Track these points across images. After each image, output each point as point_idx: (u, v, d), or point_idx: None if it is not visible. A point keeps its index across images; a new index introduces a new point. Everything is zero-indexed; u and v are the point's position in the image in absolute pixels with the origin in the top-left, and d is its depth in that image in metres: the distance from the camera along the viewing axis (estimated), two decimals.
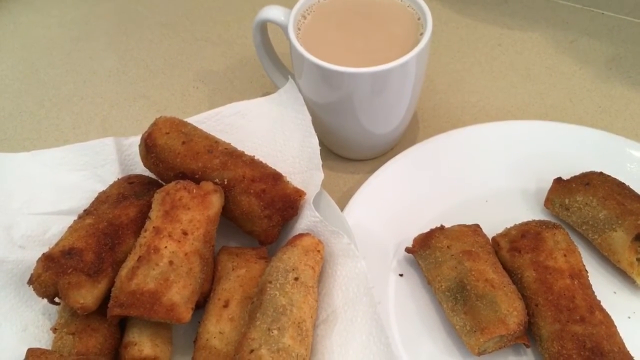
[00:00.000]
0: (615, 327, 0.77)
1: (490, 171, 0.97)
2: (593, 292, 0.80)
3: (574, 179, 0.90)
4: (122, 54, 1.26)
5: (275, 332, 0.72)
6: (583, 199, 0.87)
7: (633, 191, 0.87)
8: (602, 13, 1.25)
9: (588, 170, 0.91)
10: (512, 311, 0.76)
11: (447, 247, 0.83)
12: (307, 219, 0.85)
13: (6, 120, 1.16)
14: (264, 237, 0.86)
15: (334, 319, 0.78)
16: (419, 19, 0.94)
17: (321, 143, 0.91)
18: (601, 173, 0.90)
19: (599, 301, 0.79)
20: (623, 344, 0.76)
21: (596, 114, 1.09)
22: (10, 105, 1.18)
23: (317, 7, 0.97)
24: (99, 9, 1.36)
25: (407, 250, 0.88)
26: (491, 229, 0.88)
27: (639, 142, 0.97)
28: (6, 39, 1.31)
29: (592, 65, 1.17)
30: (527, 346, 0.79)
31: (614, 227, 0.84)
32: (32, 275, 0.77)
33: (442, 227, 0.87)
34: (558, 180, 0.91)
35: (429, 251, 0.84)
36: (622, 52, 1.18)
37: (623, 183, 0.89)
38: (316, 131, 0.91)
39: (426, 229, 0.87)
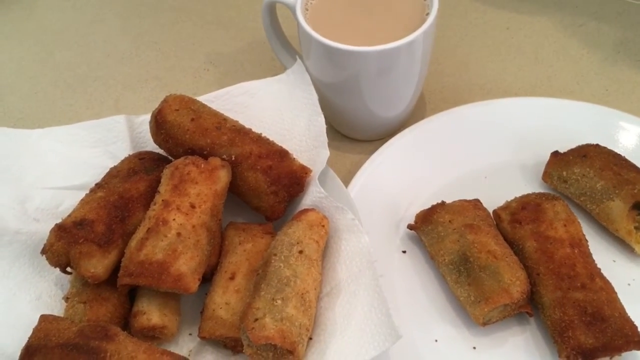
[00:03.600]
0: (616, 293, 0.79)
1: (488, 147, 0.99)
2: (593, 261, 0.82)
3: (571, 151, 0.92)
4: (135, 37, 1.29)
5: (279, 302, 0.74)
6: (580, 170, 0.88)
7: (629, 161, 0.89)
8: None
9: (585, 143, 0.92)
10: (514, 281, 0.78)
11: (449, 221, 0.85)
12: (313, 195, 0.87)
13: (22, 100, 1.18)
14: (270, 213, 0.88)
15: (337, 292, 0.80)
16: None
17: (328, 123, 0.92)
18: (597, 145, 0.91)
19: (599, 269, 0.81)
20: (623, 309, 0.77)
21: (603, 96, 1.09)
22: (26, 85, 1.21)
23: None
24: None
25: (410, 226, 0.89)
26: (491, 204, 0.90)
27: (634, 115, 0.98)
28: (22, 22, 1.34)
29: (600, 48, 1.17)
30: (530, 315, 0.81)
31: (611, 196, 0.85)
32: (45, 245, 0.80)
33: (443, 203, 0.88)
34: (555, 154, 0.92)
35: (431, 226, 0.86)
36: (630, 36, 1.18)
37: (619, 154, 0.90)
38: (323, 112, 0.93)
39: (427, 206, 0.89)
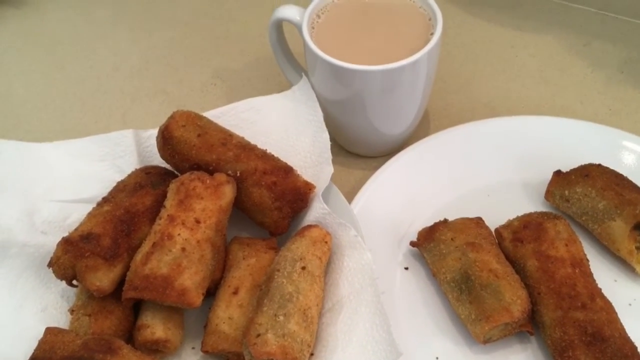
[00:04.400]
0: (616, 313, 0.79)
1: (490, 166, 0.99)
2: (594, 280, 0.82)
3: (573, 171, 0.92)
4: (143, 51, 1.30)
5: (282, 317, 0.75)
6: (582, 190, 0.89)
7: (631, 182, 0.89)
8: (616, 17, 1.26)
9: (587, 162, 0.93)
10: (516, 299, 0.78)
11: (451, 239, 0.85)
12: (316, 211, 0.88)
13: (32, 112, 1.20)
14: (274, 228, 0.89)
15: (339, 308, 0.81)
16: (430, 19, 0.96)
17: (332, 139, 0.94)
18: (599, 165, 0.92)
19: (600, 289, 0.81)
20: (624, 329, 0.78)
21: (607, 116, 1.10)
22: (35, 97, 1.23)
23: (331, 7, 1.00)
24: (122, 9, 1.40)
25: (412, 244, 0.90)
26: (493, 222, 0.90)
27: (637, 135, 0.99)
28: (34, 34, 1.36)
29: (604, 68, 1.18)
30: (531, 334, 0.81)
31: (613, 216, 0.86)
32: (52, 258, 0.81)
33: (445, 221, 0.89)
34: (558, 173, 0.93)
35: (434, 244, 0.87)
36: (635, 56, 1.19)
37: (621, 174, 0.91)
38: (328, 128, 0.94)
39: (430, 223, 0.90)
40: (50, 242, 0.86)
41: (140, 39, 1.33)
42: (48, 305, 0.86)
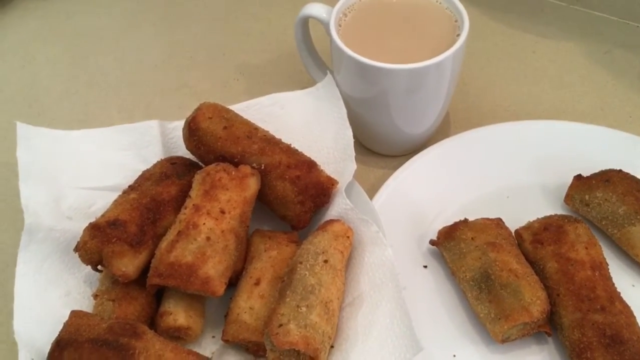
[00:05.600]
0: (635, 317, 0.79)
1: (511, 168, 1.00)
2: (613, 284, 0.82)
3: (594, 176, 0.93)
4: (167, 45, 1.32)
5: (304, 309, 0.76)
6: (603, 195, 0.90)
7: None
8: (637, 26, 1.26)
9: (607, 168, 0.94)
10: (535, 300, 0.79)
11: (472, 238, 0.86)
12: (339, 206, 0.88)
13: (57, 102, 1.22)
14: (296, 222, 0.90)
15: (360, 303, 0.82)
16: (455, 21, 0.97)
17: (355, 137, 0.94)
18: (620, 171, 0.93)
19: (619, 292, 0.82)
20: None
21: (627, 123, 1.10)
22: (61, 87, 1.25)
23: (358, 5, 1.01)
24: (147, 3, 1.42)
25: (432, 242, 0.91)
26: (513, 224, 0.91)
27: None
28: (59, 26, 1.37)
29: (625, 76, 1.18)
30: (549, 335, 0.82)
31: (633, 222, 0.86)
32: (78, 242, 0.82)
33: (465, 220, 0.90)
34: (578, 177, 0.94)
35: (454, 243, 0.87)
36: None
37: None
38: (351, 126, 0.95)
39: (450, 222, 0.91)
40: (75, 227, 0.87)
41: (164, 34, 1.35)
42: (72, 290, 0.87)
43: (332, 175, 0.91)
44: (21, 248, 0.86)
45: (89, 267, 0.84)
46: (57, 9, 1.41)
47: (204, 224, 0.82)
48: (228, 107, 0.97)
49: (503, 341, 0.81)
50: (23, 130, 0.96)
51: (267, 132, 0.94)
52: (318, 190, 0.89)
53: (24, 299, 0.83)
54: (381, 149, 1.08)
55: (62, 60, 1.30)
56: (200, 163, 0.95)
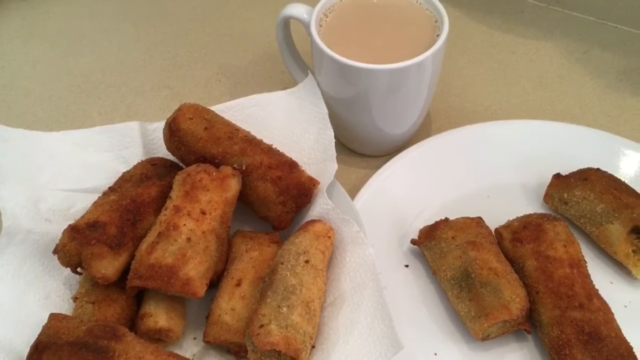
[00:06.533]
0: (612, 314, 0.81)
1: (491, 167, 1.01)
2: (591, 281, 0.84)
3: (573, 174, 0.94)
4: (148, 46, 1.31)
5: (285, 309, 0.76)
6: (581, 193, 0.91)
7: (629, 186, 0.91)
8: (615, 26, 1.28)
9: (586, 167, 0.95)
10: (514, 297, 0.80)
11: (452, 237, 0.87)
12: (320, 207, 0.89)
13: (36, 103, 1.21)
14: (277, 223, 0.90)
15: (341, 302, 0.82)
16: (435, 21, 0.98)
17: (336, 138, 0.95)
18: (598, 169, 0.94)
19: (597, 290, 0.83)
20: (620, 329, 0.79)
21: (605, 122, 1.12)
22: (41, 89, 1.24)
23: (339, 6, 1.01)
24: (128, 4, 1.41)
25: (413, 241, 0.91)
26: (493, 222, 0.92)
27: (634, 141, 1.01)
28: (40, 27, 1.36)
29: (603, 76, 1.20)
30: (529, 332, 0.83)
31: (610, 220, 0.88)
32: (57, 245, 0.81)
33: (446, 220, 0.90)
34: (557, 176, 0.95)
35: (435, 242, 0.88)
36: (633, 64, 1.21)
37: (619, 179, 0.93)
38: (332, 126, 0.95)
39: (431, 222, 0.91)
40: (55, 229, 0.86)
41: (144, 35, 1.34)
42: (51, 293, 0.86)
43: (314, 176, 0.91)
44: None
45: (69, 269, 0.83)
46: (37, 10, 1.40)
47: (185, 225, 0.82)
48: (209, 107, 0.96)
49: (483, 339, 0.82)
50: (1, 131, 0.96)
51: (248, 132, 0.94)
52: (299, 190, 0.89)
53: (3, 302, 0.82)
54: (362, 149, 1.09)
55: (42, 61, 1.29)
56: (180, 164, 0.95)
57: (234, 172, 0.87)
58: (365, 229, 0.86)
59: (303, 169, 0.91)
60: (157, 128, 1.00)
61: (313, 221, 0.87)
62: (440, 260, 0.87)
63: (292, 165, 0.90)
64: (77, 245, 0.80)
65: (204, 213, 0.83)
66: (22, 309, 0.83)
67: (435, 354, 0.84)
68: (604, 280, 0.88)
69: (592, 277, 0.85)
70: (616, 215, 0.88)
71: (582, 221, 0.91)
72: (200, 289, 0.79)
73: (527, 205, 0.97)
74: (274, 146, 0.93)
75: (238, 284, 0.84)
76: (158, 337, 0.82)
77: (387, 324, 0.76)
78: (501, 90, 1.19)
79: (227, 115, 0.97)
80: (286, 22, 1.04)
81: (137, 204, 0.85)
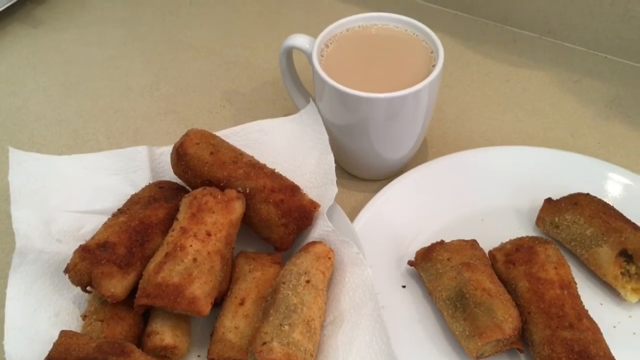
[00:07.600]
0: (602, 334, 0.83)
1: (486, 191, 1.05)
2: (581, 302, 0.86)
3: (563, 199, 0.97)
4: (155, 73, 1.36)
5: (287, 327, 0.79)
6: (571, 217, 0.94)
7: (617, 211, 0.95)
8: (605, 56, 1.33)
9: (576, 192, 0.98)
10: (507, 317, 0.83)
11: (447, 259, 0.90)
12: (320, 229, 0.92)
13: (46, 127, 1.25)
14: (279, 244, 0.94)
15: (341, 321, 0.85)
16: (431, 52, 1.03)
17: (336, 162, 0.98)
18: (588, 194, 0.97)
19: (587, 310, 0.85)
20: (608, 349, 0.82)
21: (595, 149, 1.16)
22: (50, 113, 1.28)
23: (340, 37, 1.06)
24: (136, 31, 1.46)
25: (410, 263, 0.95)
26: (487, 245, 0.95)
27: (622, 167, 1.05)
28: (49, 54, 1.41)
29: (593, 104, 1.24)
30: (521, 351, 0.85)
31: (599, 243, 0.91)
32: (68, 264, 0.84)
33: (442, 242, 0.94)
34: (548, 201, 0.98)
35: (430, 263, 0.91)
36: (623, 93, 1.26)
37: (608, 203, 0.96)
38: (333, 151, 0.98)
39: (427, 244, 0.94)
40: (65, 250, 0.90)
41: (152, 62, 1.39)
42: (61, 311, 0.89)
43: (315, 199, 0.95)
44: (12, 270, 0.88)
45: (78, 288, 0.86)
46: (48, 37, 1.45)
47: (191, 245, 0.85)
48: (214, 133, 1.00)
49: (477, 357, 0.85)
50: (14, 155, 0.99)
51: (252, 157, 0.97)
52: (301, 213, 0.92)
53: (15, 319, 0.85)
54: (362, 174, 1.13)
55: (52, 86, 1.34)
56: (187, 187, 0.98)
57: (239, 195, 0.91)
58: (364, 251, 0.89)
59: (304, 192, 0.95)
60: (165, 152, 1.03)
61: (314, 243, 0.90)
62: (436, 281, 0.90)
63: (294, 189, 0.94)
64: (87, 265, 0.83)
65: (209, 234, 0.86)
66: (33, 326, 0.86)
67: None
68: (594, 302, 0.91)
69: (582, 298, 0.88)
70: (605, 238, 0.91)
71: (572, 244, 0.95)
72: (206, 307, 0.82)
73: (520, 228, 1.01)
74: (276, 170, 0.96)
75: (241, 303, 0.87)
76: (164, 354, 0.84)
77: (385, 342, 0.79)
78: (495, 117, 1.23)
79: (232, 140, 1.01)
80: (289, 52, 1.09)
81: (145, 225, 0.89)
